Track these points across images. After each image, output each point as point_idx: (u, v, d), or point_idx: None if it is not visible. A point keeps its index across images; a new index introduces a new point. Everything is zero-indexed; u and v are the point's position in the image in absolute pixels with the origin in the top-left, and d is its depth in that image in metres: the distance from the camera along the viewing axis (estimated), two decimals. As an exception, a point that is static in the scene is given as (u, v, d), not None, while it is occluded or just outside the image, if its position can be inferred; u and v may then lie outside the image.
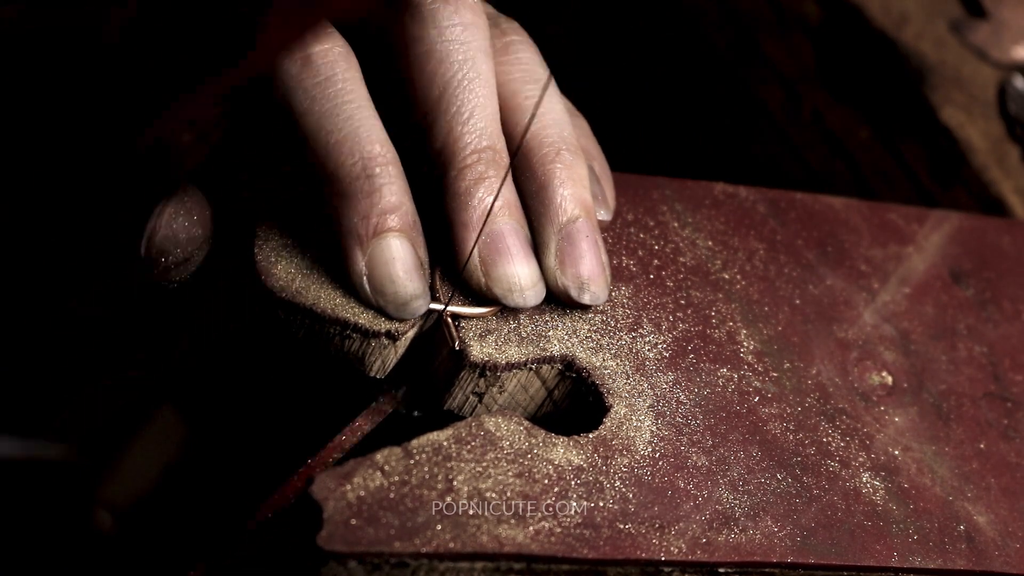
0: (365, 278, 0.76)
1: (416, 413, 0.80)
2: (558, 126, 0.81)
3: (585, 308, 0.80)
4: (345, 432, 0.78)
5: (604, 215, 0.83)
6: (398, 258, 0.76)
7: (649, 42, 1.18)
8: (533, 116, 0.79)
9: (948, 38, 1.10)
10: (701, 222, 0.88)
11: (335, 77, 0.77)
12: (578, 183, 0.80)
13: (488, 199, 0.77)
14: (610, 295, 0.81)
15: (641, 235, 0.86)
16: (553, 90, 0.82)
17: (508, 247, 0.77)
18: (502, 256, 0.77)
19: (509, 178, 0.78)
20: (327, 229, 0.77)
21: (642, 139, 0.85)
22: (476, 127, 0.78)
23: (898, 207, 0.94)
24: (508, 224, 0.78)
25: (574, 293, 0.79)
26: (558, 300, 0.80)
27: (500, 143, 0.78)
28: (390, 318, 0.77)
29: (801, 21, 1.09)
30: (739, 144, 1.12)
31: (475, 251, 0.77)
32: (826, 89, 1.08)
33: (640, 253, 0.85)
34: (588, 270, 0.79)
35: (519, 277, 0.78)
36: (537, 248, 0.79)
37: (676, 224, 0.87)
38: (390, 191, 0.76)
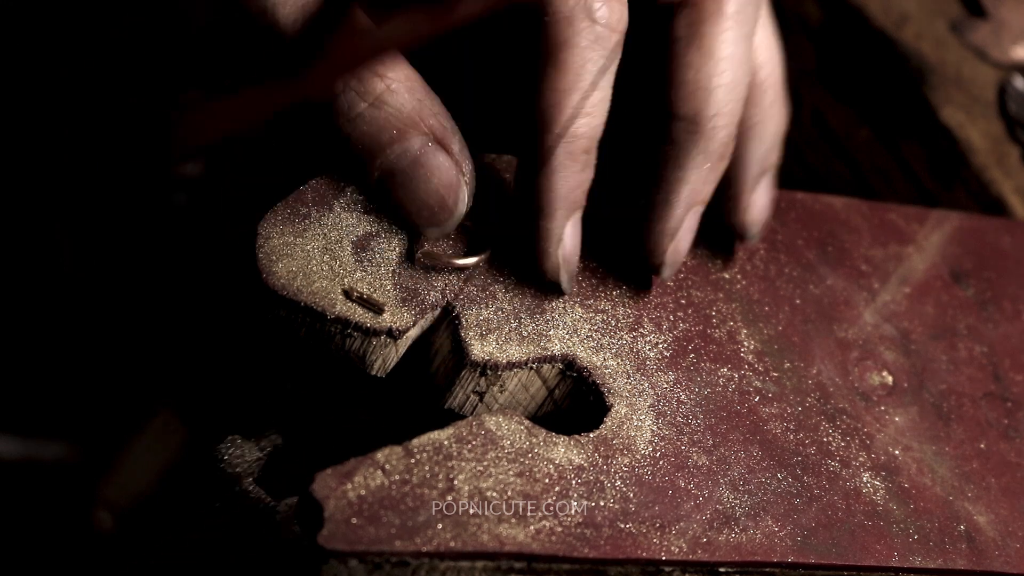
0: (562, 245, 0.78)
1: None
2: (774, 62, 0.86)
3: (595, 298, 0.81)
4: None
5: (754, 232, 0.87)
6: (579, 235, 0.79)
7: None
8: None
9: (948, 38, 1.10)
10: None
11: (613, 51, 0.77)
12: (778, 129, 0.85)
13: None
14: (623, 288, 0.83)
15: None
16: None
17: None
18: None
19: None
20: (329, 225, 0.77)
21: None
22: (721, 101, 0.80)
23: (898, 207, 0.94)
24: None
25: (751, 232, 0.85)
26: (561, 298, 0.80)
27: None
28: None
29: (801, 21, 1.09)
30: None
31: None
32: (826, 89, 1.08)
33: None
34: (765, 216, 0.85)
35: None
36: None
37: (677, 224, 0.87)
38: (591, 174, 0.78)
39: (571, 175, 0.76)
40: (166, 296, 0.90)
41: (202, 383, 0.96)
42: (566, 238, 0.78)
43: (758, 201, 0.84)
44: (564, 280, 0.79)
